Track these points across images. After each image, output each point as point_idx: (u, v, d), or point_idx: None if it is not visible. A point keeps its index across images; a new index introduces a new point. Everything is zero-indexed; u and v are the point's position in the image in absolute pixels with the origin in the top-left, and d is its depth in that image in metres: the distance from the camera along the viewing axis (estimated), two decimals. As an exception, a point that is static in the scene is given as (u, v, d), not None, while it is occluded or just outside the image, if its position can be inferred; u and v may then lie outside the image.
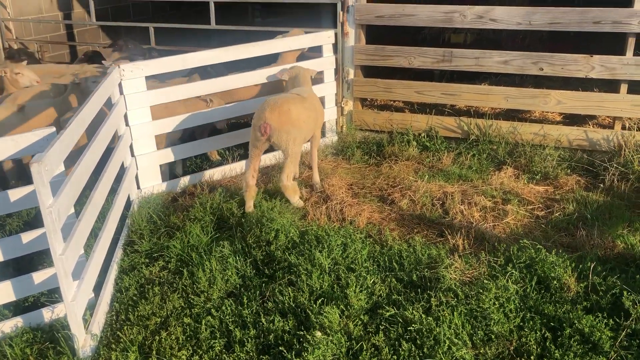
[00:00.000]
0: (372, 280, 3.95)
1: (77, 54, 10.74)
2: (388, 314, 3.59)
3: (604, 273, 3.95)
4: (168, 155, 5.72)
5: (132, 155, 5.47)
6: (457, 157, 6.31)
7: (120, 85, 5.18)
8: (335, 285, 3.89)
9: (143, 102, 5.39)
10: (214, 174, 6.06)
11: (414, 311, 3.60)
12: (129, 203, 5.26)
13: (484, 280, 3.89)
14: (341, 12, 6.55)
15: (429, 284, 3.95)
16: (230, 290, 4.09)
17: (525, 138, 6.37)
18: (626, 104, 5.99)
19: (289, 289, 3.91)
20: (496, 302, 3.68)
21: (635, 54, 5.87)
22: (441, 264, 4.06)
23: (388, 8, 6.47)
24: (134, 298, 4.04)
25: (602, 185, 5.50)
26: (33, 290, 3.83)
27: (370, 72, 7.15)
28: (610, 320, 3.49)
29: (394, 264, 4.14)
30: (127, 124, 5.35)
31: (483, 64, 6.30)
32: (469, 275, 4.05)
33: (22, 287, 3.75)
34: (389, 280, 4.00)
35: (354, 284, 3.87)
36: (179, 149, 5.78)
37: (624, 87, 6.00)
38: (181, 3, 13.36)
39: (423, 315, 3.55)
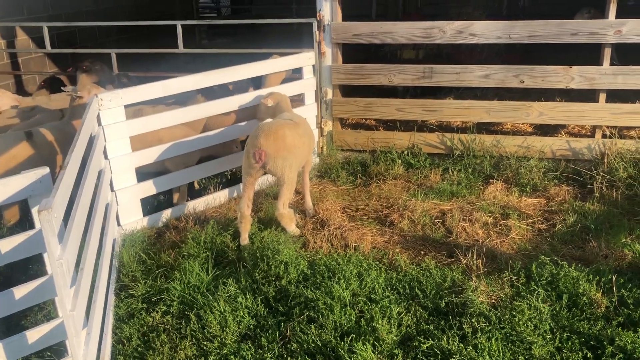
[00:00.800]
0: (397, 311, 3.75)
1: (22, 83, 10.13)
2: (425, 346, 3.40)
3: (630, 285, 3.90)
4: (150, 188, 5.36)
5: (112, 190, 5.08)
6: (444, 173, 6.24)
7: (98, 116, 4.82)
8: (362, 319, 3.66)
9: (122, 133, 5.03)
10: (197, 204, 5.73)
11: (449, 341, 3.42)
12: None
13: (515, 302, 3.76)
14: (317, 32, 6.39)
15: (456, 309, 3.78)
16: (244, 332, 3.79)
17: (509, 151, 6.37)
18: (606, 113, 6.09)
19: (312, 326, 3.65)
20: (530, 324, 3.55)
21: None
22: (467, 288, 3.90)
23: (365, 26, 6.37)
24: (139, 349, 3.67)
25: (597, 194, 5.53)
26: (25, 351, 3.40)
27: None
28: (648, 334, 3.43)
29: (417, 290, 3.95)
30: (106, 157, 4.97)
31: (464, 78, 6.28)
32: (494, 298, 3.92)
33: (14, 349, 3.32)
34: (413, 308, 3.81)
35: (379, 316, 3.66)
36: (162, 180, 5.42)
37: (602, 96, 6.10)
38: (127, 27, 12.89)
39: (461, 345, 3.37)
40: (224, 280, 4.22)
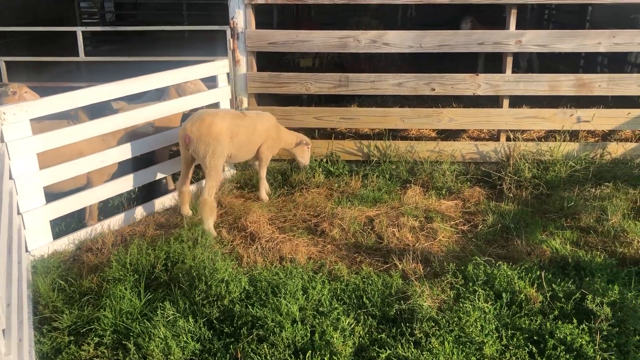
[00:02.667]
0: (347, 322, 3.71)
1: None
2: (384, 355, 3.38)
3: (557, 280, 4.15)
4: (60, 208, 4.92)
5: (18, 212, 4.59)
6: (364, 179, 6.32)
7: (0, 131, 4.34)
8: (314, 334, 3.58)
9: (28, 150, 4.57)
10: (112, 223, 5.33)
11: (405, 348, 3.44)
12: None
13: (459, 304, 3.86)
14: (231, 39, 6.23)
15: (404, 315, 3.81)
16: (189, 359, 3.56)
17: (423, 156, 6.59)
18: (509, 117, 6.49)
19: (263, 345, 3.51)
20: (477, 324, 3.66)
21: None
22: (413, 294, 3.95)
23: (281, 34, 6.30)
24: (74, 389, 3.33)
25: (510, 195, 5.86)
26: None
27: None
28: (582, 325, 3.66)
29: (364, 300, 3.94)
30: (10, 177, 4.48)
31: (379, 87, 6.41)
32: (438, 301, 4.00)
33: None
34: (363, 318, 3.80)
35: (331, 329, 3.59)
36: (76, 198, 5.00)
37: (506, 102, 6.50)
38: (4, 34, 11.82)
39: (416, 351, 3.40)
40: (160, 304, 3.95)
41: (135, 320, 3.83)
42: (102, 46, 17.03)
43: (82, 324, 3.83)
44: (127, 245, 4.79)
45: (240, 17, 6.20)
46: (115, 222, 5.37)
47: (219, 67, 6.11)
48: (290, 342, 3.54)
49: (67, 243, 5.00)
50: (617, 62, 9.78)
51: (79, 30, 6.30)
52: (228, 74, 6.25)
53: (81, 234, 5.12)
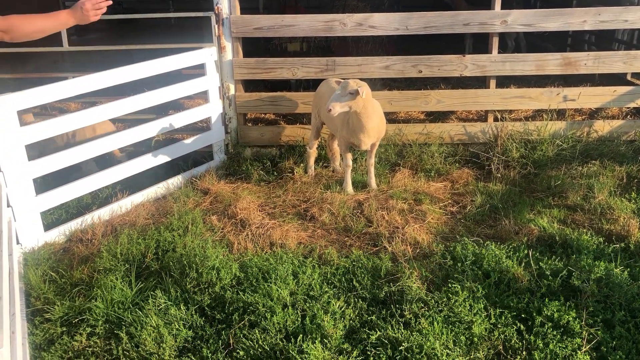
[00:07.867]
0: (338, 305, 3.75)
1: None
2: (373, 337, 3.43)
3: (545, 258, 4.20)
4: (52, 200, 4.93)
5: (8, 205, 4.59)
6: (353, 163, 6.32)
7: (-13, 124, 4.32)
8: (305, 318, 3.62)
9: (16, 141, 4.55)
10: (102, 214, 5.34)
11: (395, 329, 3.49)
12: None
13: (448, 284, 3.91)
14: (216, 26, 6.19)
15: (394, 297, 3.86)
16: (182, 346, 3.60)
17: (411, 138, 6.61)
18: (496, 98, 6.51)
19: (255, 330, 3.54)
20: (466, 304, 3.71)
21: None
22: (403, 276, 3.99)
23: (267, 19, 6.26)
24: (68, 378, 3.36)
25: (498, 175, 5.90)
26: None
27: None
28: (569, 301, 3.73)
29: (355, 283, 3.98)
30: (-2, 170, 4.48)
31: (366, 70, 6.39)
32: (426, 282, 4.05)
33: None
34: (353, 301, 3.84)
35: (321, 313, 3.64)
36: (67, 189, 5.02)
37: (492, 83, 6.51)
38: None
39: (406, 332, 3.45)
40: (151, 293, 3.97)
41: (126, 309, 3.86)
42: (87, 34, 16.83)
43: (74, 314, 3.86)
44: (118, 235, 4.81)
45: (225, 2, 6.15)
46: (105, 212, 5.37)
47: (207, 54, 6.07)
48: (282, 326, 3.58)
49: (57, 234, 5.01)
50: (604, 40, 9.79)
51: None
52: (216, 61, 6.21)
53: (71, 225, 5.12)
